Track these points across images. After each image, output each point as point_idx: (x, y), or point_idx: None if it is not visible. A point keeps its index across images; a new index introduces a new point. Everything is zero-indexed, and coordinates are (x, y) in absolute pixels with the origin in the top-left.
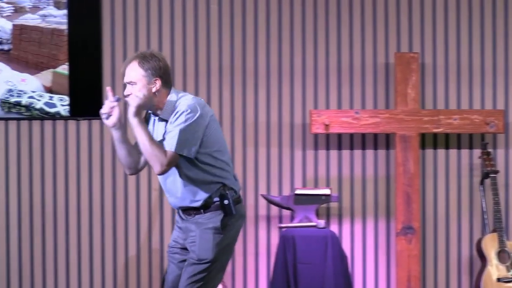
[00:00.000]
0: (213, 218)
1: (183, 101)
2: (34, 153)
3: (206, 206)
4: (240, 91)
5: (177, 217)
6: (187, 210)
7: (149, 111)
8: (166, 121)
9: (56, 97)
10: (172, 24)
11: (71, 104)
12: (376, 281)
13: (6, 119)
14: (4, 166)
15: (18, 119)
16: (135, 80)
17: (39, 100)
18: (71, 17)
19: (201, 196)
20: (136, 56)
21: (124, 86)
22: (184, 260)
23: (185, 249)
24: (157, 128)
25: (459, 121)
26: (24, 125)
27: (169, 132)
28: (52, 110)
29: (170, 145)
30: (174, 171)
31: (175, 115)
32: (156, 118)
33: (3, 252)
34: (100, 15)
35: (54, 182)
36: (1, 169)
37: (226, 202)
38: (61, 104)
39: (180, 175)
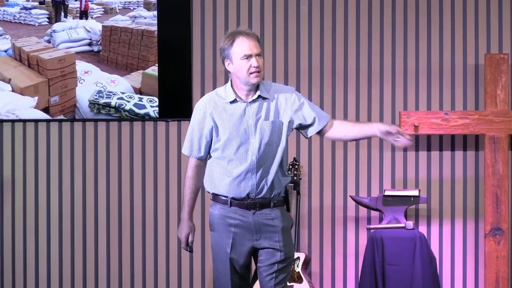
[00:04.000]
0: (286, 215)
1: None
2: (123, 155)
3: (279, 201)
4: (329, 92)
5: (234, 212)
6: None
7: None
8: (262, 99)
9: (145, 98)
10: (262, 25)
11: (160, 105)
12: (464, 282)
13: (96, 120)
14: (94, 167)
15: (107, 120)
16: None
17: (128, 101)
18: (161, 18)
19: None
20: (254, 33)
21: (248, 56)
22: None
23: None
24: (252, 110)
25: None
26: (113, 126)
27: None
28: (142, 111)
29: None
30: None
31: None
32: (242, 103)
33: (92, 255)
34: (190, 17)
35: (143, 183)
36: (90, 170)
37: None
38: (151, 105)
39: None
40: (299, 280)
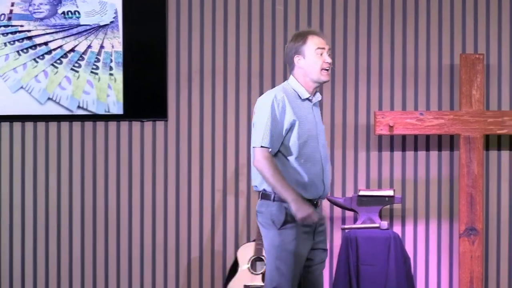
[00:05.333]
0: None
1: None
2: (97, 155)
3: None
4: None
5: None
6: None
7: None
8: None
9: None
10: (237, 25)
11: (127, 105)
12: (439, 282)
13: (71, 120)
14: (68, 167)
15: (82, 120)
16: None
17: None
18: (127, 17)
19: None
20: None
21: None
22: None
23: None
24: (312, 111)
25: None
26: (88, 126)
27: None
28: (114, 111)
29: None
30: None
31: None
32: (311, 101)
33: (66, 255)
34: (166, 16)
35: (118, 183)
36: (65, 171)
37: None
38: (123, 104)
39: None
40: None
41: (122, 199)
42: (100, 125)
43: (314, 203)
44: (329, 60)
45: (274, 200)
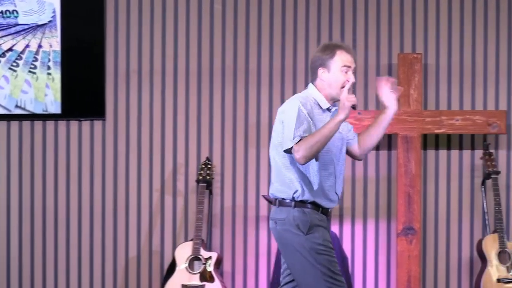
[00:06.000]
0: None
1: None
2: (35, 154)
3: None
4: (242, 91)
5: (324, 218)
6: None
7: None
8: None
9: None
10: (176, 24)
11: (72, 105)
12: (376, 281)
13: (8, 120)
14: (6, 167)
15: (20, 120)
16: None
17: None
18: (66, 16)
19: None
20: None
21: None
22: None
23: None
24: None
25: (461, 122)
26: (26, 126)
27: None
28: (52, 110)
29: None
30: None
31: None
32: (330, 111)
33: (4, 254)
34: (104, 16)
35: (56, 182)
36: (3, 171)
37: None
38: (61, 104)
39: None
40: (211, 280)
41: (60, 198)
42: (38, 124)
43: (327, 211)
44: (353, 79)
45: (294, 207)
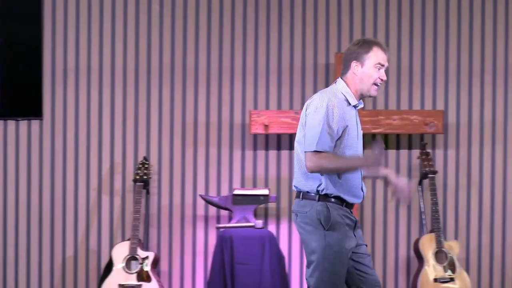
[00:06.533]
0: None
1: None
2: None
3: None
4: (180, 90)
5: (347, 212)
6: None
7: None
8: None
9: None
10: (113, 23)
11: (4, 104)
12: None
13: None
14: None
15: None
16: None
17: None
18: (3, 17)
19: None
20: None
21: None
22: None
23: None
24: (356, 118)
25: (398, 121)
26: None
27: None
28: None
29: None
30: None
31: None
32: (355, 107)
33: None
34: (41, 16)
35: None
36: None
37: None
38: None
39: None
40: (148, 280)
41: None
42: None
43: (351, 206)
44: (384, 77)
45: (318, 200)
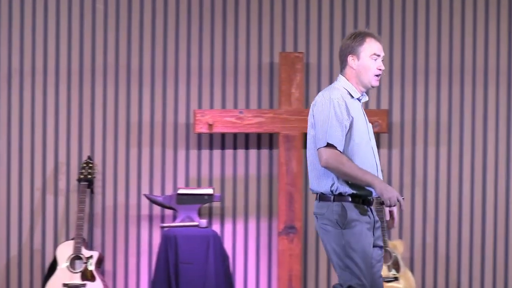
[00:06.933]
0: None
1: None
2: None
3: None
4: (124, 90)
5: (368, 211)
6: None
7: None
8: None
9: None
10: (58, 22)
11: None
12: (258, 280)
13: None
14: None
15: None
16: None
17: None
18: None
19: None
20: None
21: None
22: None
23: None
24: (362, 111)
25: None
26: None
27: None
28: None
29: None
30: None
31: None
32: (359, 101)
33: None
34: None
35: None
36: None
37: None
38: None
39: None
40: (92, 279)
41: None
42: None
43: (369, 202)
44: (382, 67)
45: (334, 201)
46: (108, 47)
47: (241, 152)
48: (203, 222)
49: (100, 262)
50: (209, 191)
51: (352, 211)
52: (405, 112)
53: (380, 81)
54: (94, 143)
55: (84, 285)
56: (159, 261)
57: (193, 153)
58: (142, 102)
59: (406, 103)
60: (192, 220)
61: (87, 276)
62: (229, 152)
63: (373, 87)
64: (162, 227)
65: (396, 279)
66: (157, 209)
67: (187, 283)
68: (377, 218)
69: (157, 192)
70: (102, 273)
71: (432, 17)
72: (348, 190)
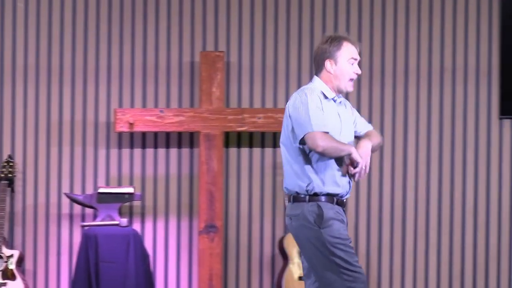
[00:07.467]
0: None
1: None
2: None
3: None
4: (45, 89)
5: (340, 210)
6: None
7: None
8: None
9: None
10: None
11: None
12: (178, 280)
13: None
14: None
15: None
16: None
17: None
18: None
19: None
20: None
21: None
22: None
23: None
24: (339, 111)
25: (263, 119)
26: None
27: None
28: None
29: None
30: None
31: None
32: (335, 101)
33: None
34: None
35: None
36: None
37: None
38: None
39: None
40: (13, 278)
41: None
42: None
43: (342, 202)
44: (359, 71)
45: (309, 201)
46: (29, 46)
47: (161, 151)
48: (124, 221)
49: (20, 261)
50: (130, 190)
51: (328, 210)
52: None
53: (300, 79)
54: (14, 142)
55: (4, 284)
56: (79, 260)
57: (114, 152)
58: (62, 101)
59: None
60: (113, 219)
61: (7, 275)
62: (149, 151)
63: (347, 92)
64: (83, 226)
65: None
66: (77, 208)
67: (108, 282)
68: (346, 219)
69: (77, 191)
70: (22, 272)
71: (352, 19)
72: (323, 190)
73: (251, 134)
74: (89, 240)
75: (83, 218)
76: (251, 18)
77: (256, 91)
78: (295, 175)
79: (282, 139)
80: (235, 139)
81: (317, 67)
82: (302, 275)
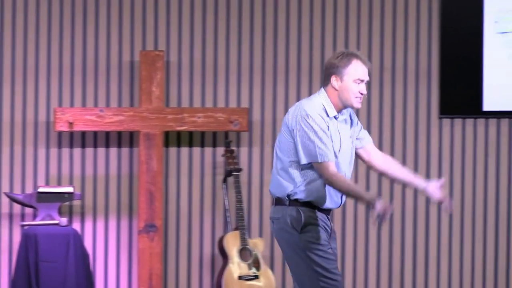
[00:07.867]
0: None
1: None
2: None
3: None
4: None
5: (322, 216)
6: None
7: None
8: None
9: None
10: None
11: None
12: (118, 279)
13: None
14: None
15: None
16: None
17: None
18: None
19: None
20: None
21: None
22: None
23: None
24: (340, 128)
25: (203, 119)
26: None
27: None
28: None
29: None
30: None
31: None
32: (337, 119)
33: None
34: None
35: None
36: None
37: None
38: None
39: None
40: None
41: None
42: None
43: (325, 211)
44: (364, 91)
45: (289, 205)
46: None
47: (101, 151)
48: (64, 220)
49: None
50: (70, 189)
51: (307, 215)
52: (265, 111)
53: (240, 79)
54: None
55: None
56: (19, 259)
57: (54, 151)
58: (1, 100)
59: (266, 101)
60: (53, 219)
61: None
62: (89, 151)
63: (355, 108)
64: (22, 226)
65: (256, 277)
66: (17, 208)
67: (48, 282)
68: (334, 229)
69: (17, 190)
70: None
71: (292, 17)
72: (304, 197)
73: (190, 134)
74: (29, 240)
75: (22, 217)
76: (191, 18)
77: (196, 91)
78: (281, 181)
79: (278, 143)
80: (175, 139)
81: (324, 80)
82: (242, 274)
